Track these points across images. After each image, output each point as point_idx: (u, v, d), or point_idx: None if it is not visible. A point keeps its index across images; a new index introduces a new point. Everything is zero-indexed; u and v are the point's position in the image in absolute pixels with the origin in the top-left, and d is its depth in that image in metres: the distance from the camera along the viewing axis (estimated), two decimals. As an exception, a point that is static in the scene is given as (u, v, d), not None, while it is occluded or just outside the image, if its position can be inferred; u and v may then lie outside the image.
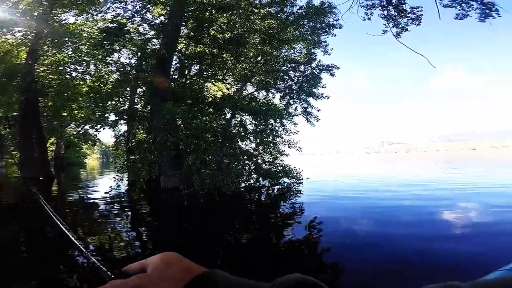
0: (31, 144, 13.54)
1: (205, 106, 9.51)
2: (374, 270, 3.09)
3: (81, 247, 0.66)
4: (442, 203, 6.65)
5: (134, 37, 10.54)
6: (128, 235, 4.69)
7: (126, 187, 10.03)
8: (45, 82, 15.10)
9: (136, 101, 13.09)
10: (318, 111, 11.58)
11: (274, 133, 10.57)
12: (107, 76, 13.82)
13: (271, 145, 10.52)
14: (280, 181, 9.67)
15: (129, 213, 6.67)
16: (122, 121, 11.29)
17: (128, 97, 13.60)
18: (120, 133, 11.77)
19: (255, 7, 10.36)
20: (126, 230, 5.14)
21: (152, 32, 10.87)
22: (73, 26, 14.10)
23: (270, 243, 4.29)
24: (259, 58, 10.95)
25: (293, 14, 10.96)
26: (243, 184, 9.61)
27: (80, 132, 20.87)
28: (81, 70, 15.85)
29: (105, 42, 9.42)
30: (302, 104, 11.57)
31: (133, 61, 11.48)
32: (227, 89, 12.03)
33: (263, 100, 11.44)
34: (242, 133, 9.99)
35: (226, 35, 10.41)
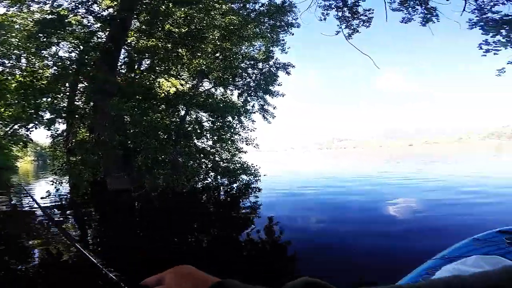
0: None
1: (157, 103, 8.96)
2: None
3: (98, 264, 0.65)
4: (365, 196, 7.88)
5: (76, 30, 9.46)
6: (78, 240, 4.21)
7: (68, 191, 9.13)
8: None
9: (76, 98, 11.77)
10: (274, 108, 11.84)
11: (232, 130, 10.47)
12: (41, 70, 12.20)
13: (229, 142, 10.40)
14: (238, 178, 9.63)
15: (74, 218, 6.04)
16: (60, 120, 10.06)
17: (68, 94, 12.16)
18: (57, 132, 10.47)
19: (217, 2, 10.06)
20: (74, 235, 4.61)
21: (98, 25, 9.87)
22: (3, 18, 12.13)
23: (232, 239, 4.33)
24: (217, 54, 10.71)
25: (254, 11, 10.96)
26: (200, 183, 9.34)
27: (9, 133, 18.05)
28: (9, 65, 13.71)
29: (40, 35, 8.32)
30: (259, 101, 11.70)
31: (73, 54, 10.34)
32: (181, 85, 11.54)
33: (221, 97, 11.25)
34: (198, 131, 9.68)
35: (182, 29, 9.95)
